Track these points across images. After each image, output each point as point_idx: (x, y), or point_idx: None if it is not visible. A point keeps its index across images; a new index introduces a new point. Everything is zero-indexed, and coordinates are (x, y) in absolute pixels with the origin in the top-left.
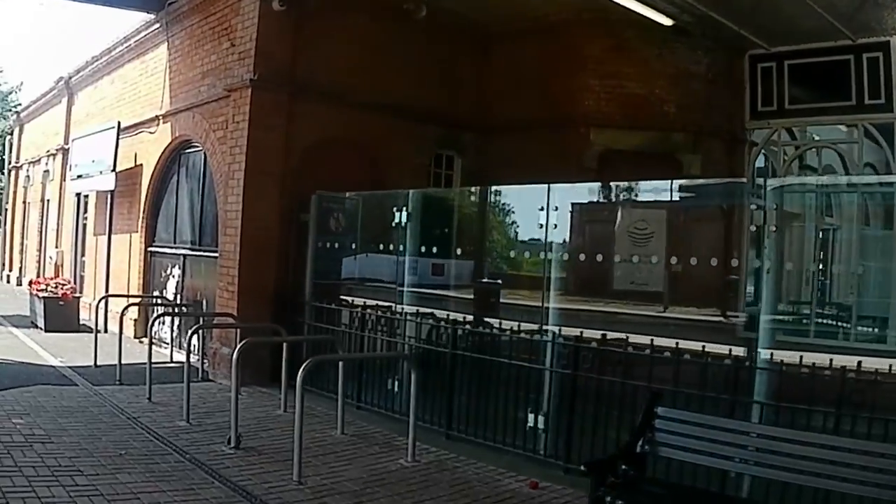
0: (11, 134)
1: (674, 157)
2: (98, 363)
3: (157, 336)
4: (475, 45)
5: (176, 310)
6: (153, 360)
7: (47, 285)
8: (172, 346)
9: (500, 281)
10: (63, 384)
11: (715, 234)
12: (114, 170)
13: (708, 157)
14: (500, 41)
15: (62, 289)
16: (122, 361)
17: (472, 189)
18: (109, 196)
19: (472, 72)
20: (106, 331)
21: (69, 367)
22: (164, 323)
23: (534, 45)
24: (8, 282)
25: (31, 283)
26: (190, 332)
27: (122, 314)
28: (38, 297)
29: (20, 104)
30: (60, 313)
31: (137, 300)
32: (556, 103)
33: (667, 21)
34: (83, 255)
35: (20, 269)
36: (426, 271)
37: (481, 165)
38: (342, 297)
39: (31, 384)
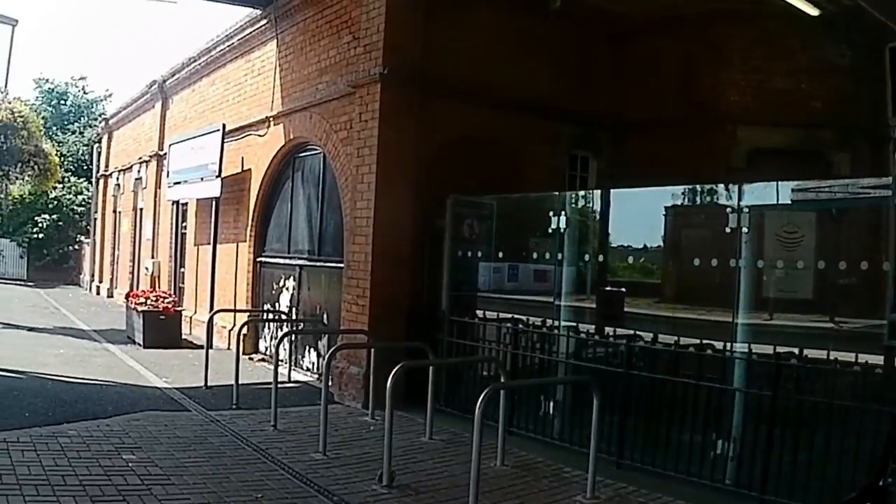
0: (99, 142)
1: (822, 156)
2: (209, 383)
3: (268, 353)
4: (611, 39)
5: (299, 325)
6: (267, 380)
7: (147, 298)
8: (290, 365)
9: (623, 289)
10: (173, 409)
11: (863, 237)
12: (219, 175)
13: (855, 155)
14: (637, 35)
15: (163, 302)
16: (230, 381)
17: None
18: (214, 203)
19: (608, 68)
20: (210, 346)
21: (177, 389)
22: (276, 338)
23: (673, 38)
24: (98, 293)
25: (128, 296)
26: (329, 351)
27: (240, 329)
28: (137, 311)
29: (104, 113)
30: (161, 328)
31: (255, 315)
32: (698, 100)
33: (814, 11)
34: (182, 266)
35: (111, 280)
36: (528, 278)
37: (617, 166)
38: (478, 310)
39: (137, 410)
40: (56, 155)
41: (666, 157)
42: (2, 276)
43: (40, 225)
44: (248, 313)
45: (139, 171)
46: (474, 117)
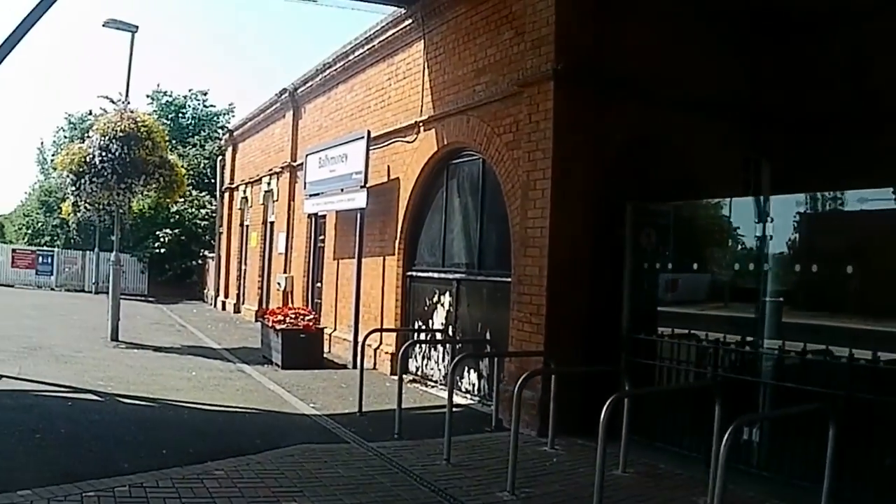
0: (222, 155)
1: None
2: (363, 409)
3: (419, 373)
4: (776, 34)
5: (457, 345)
6: (424, 404)
7: (285, 316)
8: (453, 388)
9: (781, 298)
10: (329, 441)
11: None
12: (364, 186)
13: None
14: (812, 28)
15: (303, 320)
16: (385, 406)
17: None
18: (359, 216)
19: (781, 64)
20: (355, 366)
21: (327, 417)
22: (429, 358)
23: (852, 31)
24: (223, 309)
25: (264, 313)
26: (522, 377)
27: (405, 349)
28: (275, 329)
29: (225, 126)
30: (301, 348)
31: (414, 334)
32: (873, 94)
33: None
34: (318, 280)
35: (238, 296)
36: (710, 290)
37: (792, 168)
38: (659, 327)
39: (289, 443)
40: (182, 167)
41: (850, 158)
42: (122, 291)
43: (162, 239)
44: (414, 333)
45: (269, 183)
46: (648, 118)
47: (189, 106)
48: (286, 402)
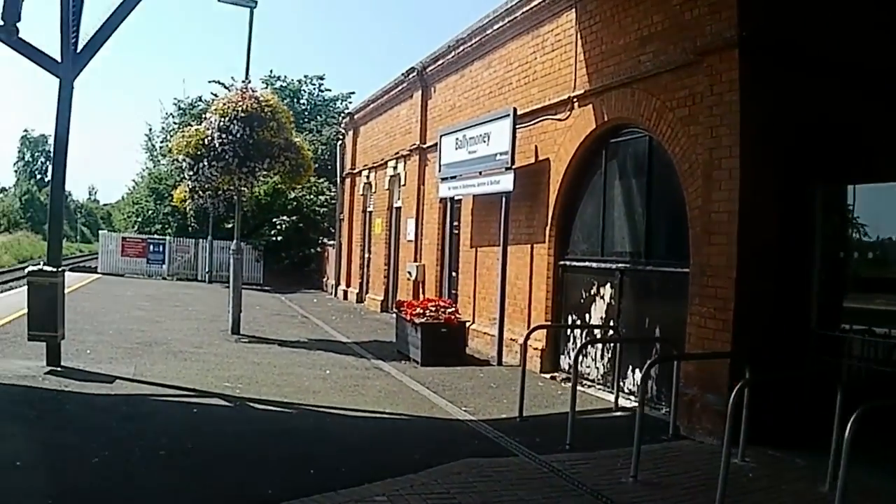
0: (342, 139)
1: None
2: (523, 413)
3: (572, 370)
4: None
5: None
6: (587, 408)
7: (425, 309)
8: (616, 389)
9: None
10: (495, 454)
11: None
12: (511, 167)
13: None
14: None
15: (444, 313)
16: (545, 409)
17: None
18: (504, 200)
19: None
20: (500, 363)
21: (485, 423)
22: (585, 355)
23: None
24: (344, 298)
25: (399, 305)
26: (738, 387)
27: (581, 348)
28: (415, 323)
29: (344, 111)
30: (441, 342)
31: (591, 332)
32: None
33: None
34: (454, 270)
35: (360, 285)
36: None
37: None
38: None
39: (450, 458)
40: (309, 149)
41: None
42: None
43: (279, 227)
44: (579, 329)
45: (395, 168)
46: (831, 92)
47: (304, 91)
48: (435, 405)
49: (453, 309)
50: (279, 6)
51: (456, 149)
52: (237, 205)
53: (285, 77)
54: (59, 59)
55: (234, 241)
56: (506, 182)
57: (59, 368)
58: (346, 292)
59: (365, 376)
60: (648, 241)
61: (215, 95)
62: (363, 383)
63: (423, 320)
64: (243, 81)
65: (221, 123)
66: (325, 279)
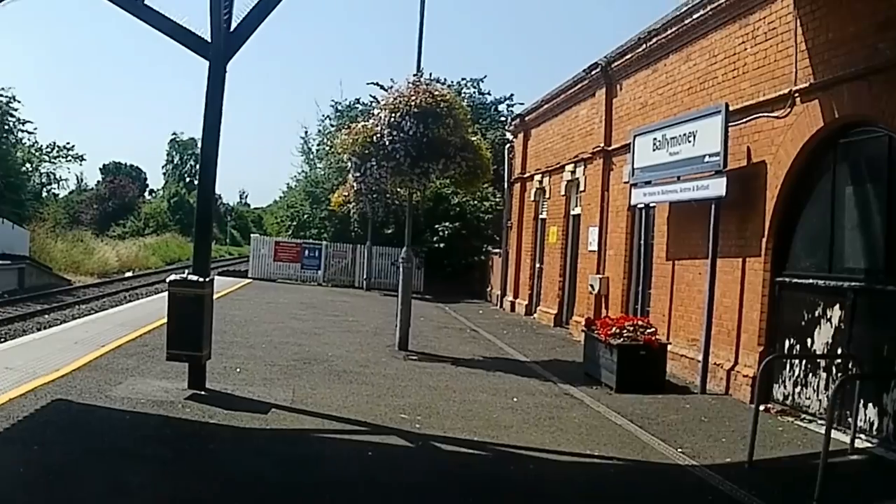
0: (510, 143)
1: None
2: (753, 457)
3: (788, 401)
4: None
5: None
6: (806, 448)
7: (621, 328)
8: (854, 428)
9: None
10: None
11: None
12: (722, 170)
13: None
14: None
15: (642, 333)
16: (768, 452)
17: None
18: (712, 207)
19: None
20: (703, 391)
21: (710, 470)
22: (805, 385)
23: None
24: (511, 310)
25: (591, 322)
26: None
27: (842, 382)
28: (610, 344)
29: (507, 114)
30: (639, 367)
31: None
32: None
33: None
34: (643, 285)
35: (530, 296)
36: None
37: None
38: None
39: None
40: (487, 149)
41: None
42: (395, 287)
43: (441, 233)
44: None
45: (573, 172)
46: None
47: (464, 94)
48: (646, 444)
49: (653, 329)
50: (435, 8)
51: (654, 150)
52: (408, 209)
53: (444, 80)
54: (208, 40)
55: (405, 249)
56: (716, 187)
57: (202, 392)
58: (513, 304)
59: (557, 405)
60: (889, 257)
61: (374, 98)
62: (558, 415)
63: (619, 341)
64: (415, 74)
65: (392, 119)
66: (489, 289)
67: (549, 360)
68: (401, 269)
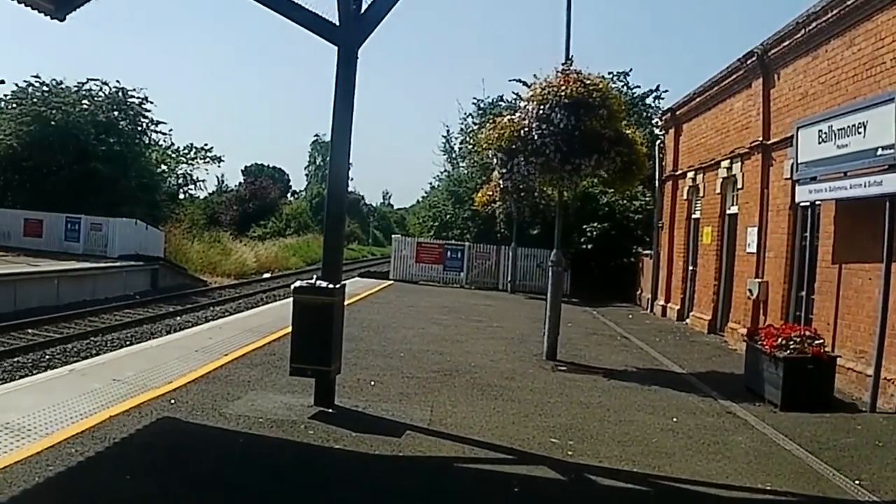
0: (661, 139)
1: None
2: None
3: None
4: None
5: None
6: None
7: (787, 339)
8: None
9: None
10: None
11: None
12: None
13: None
14: None
15: (810, 345)
16: None
17: None
18: (888, 205)
19: None
20: (873, 409)
21: None
22: None
23: None
24: (662, 315)
25: (753, 332)
26: None
27: None
28: (776, 356)
29: (655, 108)
30: (805, 382)
31: None
32: None
33: None
34: (805, 289)
35: (682, 300)
36: None
37: None
38: None
39: None
40: (643, 144)
41: None
42: (540, 290)
43: (589, 234)
44: None
45: (729, 169)
46: None
47: (611, 88)
48: (820, 475)
49: (821, 340)
50: (577, 3)
51: (819, 143)
52: (557, 208)
53: (589, 73)
54: (336, 23)
55: (554, 251)
56: (891, 182)
57: (330, 410)
58: (664, 308)
59: (721, 427)
60: None
61: (517, 95)
62: (723, 438)
63: (786, 353)
64: (564, 63)
65: (541, 112)
66: (638, 292)
67: (705, 371)
68: (550, 273)
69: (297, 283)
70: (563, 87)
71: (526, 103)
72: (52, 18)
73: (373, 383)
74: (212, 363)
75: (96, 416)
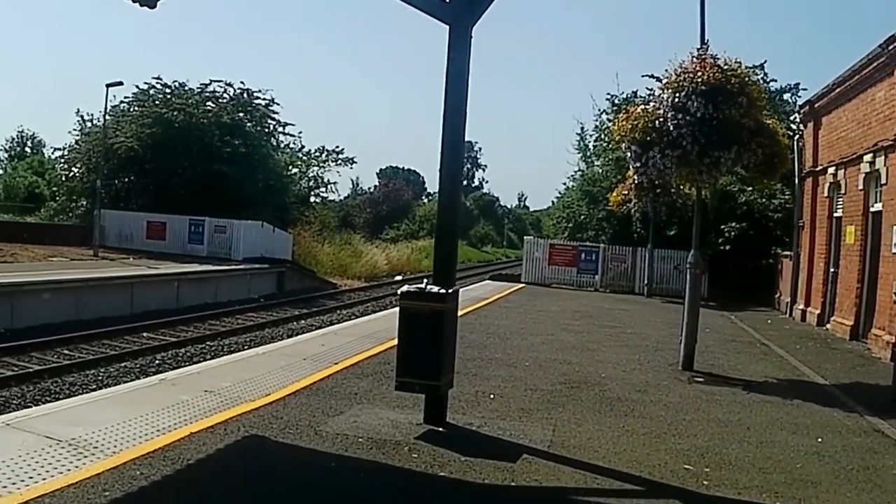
0: (800, 134)
1: None
2: None
3: None
4: None
5: None
6: None
7: None
8: None
9: None
10: None
11: None
12: None
13: None
14: None
15: None
16: None
17: None
18: None
19: None
20: None
21: None
22: None
23: None
24: (802, 319)
25: None
26: None
27: None
28: None
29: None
30: None
31: None
32: None
33: None
34: None
35: (822, 304)
36: None
37: None
38: None
39: None
40: (784, 136)
41: None
42: (676, 294)
43: (726, 234)
44: None
45: (872, 163)
46: None
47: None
48: None
49: None
50: None
51: None
52: (696, 206)
53: (726, 59)
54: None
55: (692, 252)
56: None
57: (440, 429)
58: (803, 312)
59: (870, 448)
60: None
61: (651, 91)
62: (873, 463)
63: None
64: (700, 48)
65: (676, 100)
66: (777, 295)
67: (849, 383)
68: (687, 276)
69: (405, 288)
70: (700, 73)
71: (660, 92)
72: (141, 6)
73: (492, 396)
74: (318, 373)
75: (175, 432)
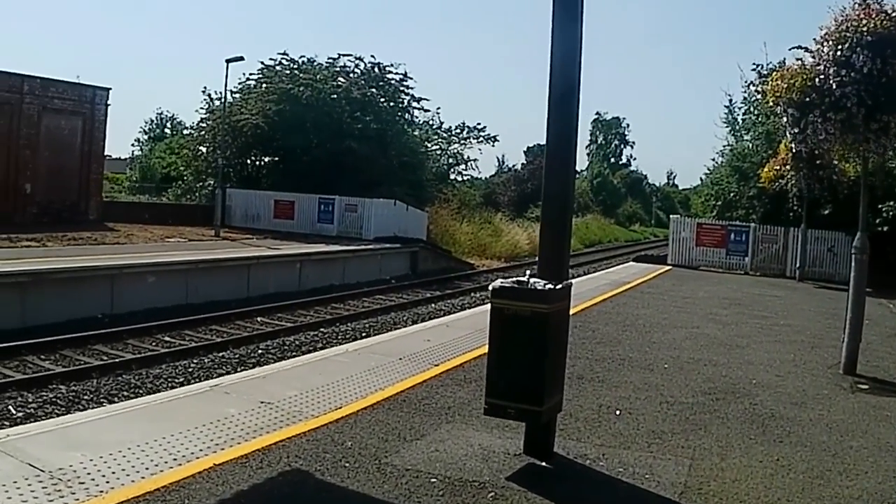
0: None
1: None
2: None
3: None
4: None
5: None
6: None
7: None
8: None
9: None
10: None
11: None
12: None
13: None
14: None
15: None
16: None
17: None
18: None
19: None
20: None
21: None
22: None
23: None
24: None
25: None
26: None
27: None
28: None
29: None
30: None
31: None
32: None
33: None
34: None
35: None
36: None
37: None
38: None
39: None
40: None
41: None
42: (830, 278)
43: (884, 214)
44: None
45: None
46: None
47: None
48: None
49: None
50: None
51: None
52: (862, 181)
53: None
54: None
55: (859, 235)
56: None
57: (543, 464)
58: None
59: None
60: None
61: (801, 62)
62: None
63: None
64: None
65: (839, 54)
66: None
67: None
68: (852, 262)
69: (498, 283)
70: (865, 22)
71: (819, 45)
72: None
73: (618, 412)
74: (411, 378)
75: (193, 463)
